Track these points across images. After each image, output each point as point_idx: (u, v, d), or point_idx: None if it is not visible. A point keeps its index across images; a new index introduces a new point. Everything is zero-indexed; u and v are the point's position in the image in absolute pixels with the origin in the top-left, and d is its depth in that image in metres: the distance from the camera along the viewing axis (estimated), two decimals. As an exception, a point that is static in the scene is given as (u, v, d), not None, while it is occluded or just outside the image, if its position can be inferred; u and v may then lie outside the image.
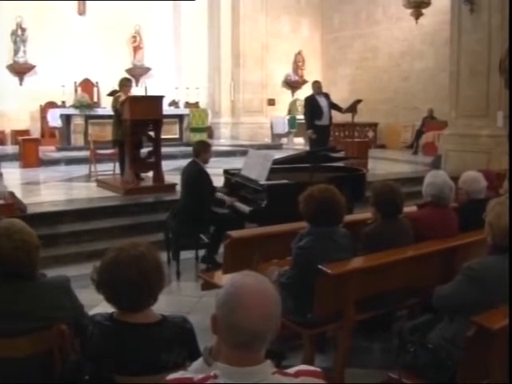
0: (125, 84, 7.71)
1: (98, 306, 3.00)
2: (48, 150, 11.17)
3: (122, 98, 7.24)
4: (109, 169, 8.50)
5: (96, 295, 1.87)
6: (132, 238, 1.94)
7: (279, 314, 1.36)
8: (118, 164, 7.97)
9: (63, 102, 12.37)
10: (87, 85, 13.28)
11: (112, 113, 7.66)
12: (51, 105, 12.58)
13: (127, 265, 1.76)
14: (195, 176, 5.18)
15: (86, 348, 1.84)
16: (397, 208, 3.27)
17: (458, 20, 8.54)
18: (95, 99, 13.08)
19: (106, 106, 10.28)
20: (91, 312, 2.14)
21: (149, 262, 1.80)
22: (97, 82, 13.37)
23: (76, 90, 12.83)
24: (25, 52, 12.79)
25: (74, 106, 11.70)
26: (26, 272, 2.03)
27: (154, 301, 1.85)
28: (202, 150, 5.25)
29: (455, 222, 3.56)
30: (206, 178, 5.20)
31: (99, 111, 11.74)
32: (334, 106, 9.23)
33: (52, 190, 7.57)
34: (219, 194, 5.40)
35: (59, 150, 11.39)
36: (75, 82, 13.03)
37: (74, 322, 2.03)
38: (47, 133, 12.65)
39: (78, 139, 11.61)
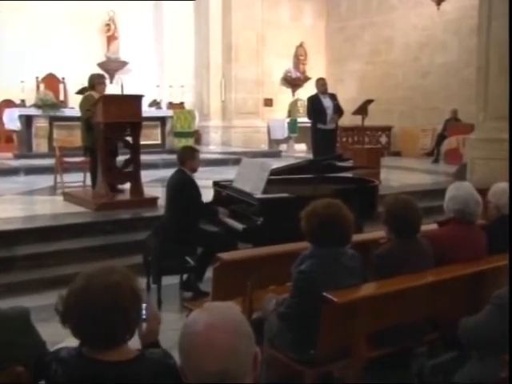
0: (98, 81, 7.75)
1: (63, 342, 2.99)
2: (4, 158, 11.19)
3: (97, 97, 7.27)
4: (78, 180, 8.50)
5: (61, 329, 1.86)
6: (105, 262, 1.95)
7: (249, 345, 1.38)
8: (88, 174, 7.97)
9: (22, 101, 12.36)
10: (52, 81, 13.31)
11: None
12: (8, 104, 12.54)
13: (99, 293, 1.76)
14: (180, 186, 5.21)
15: (48, 391, 1.83)
16: (412, 226, 3.29)
17: (488, 4, 8.54)
18: (61, 98, 13.10)
19: (74, 106, 10.31)
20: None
21: (124, 290, 1.79)
22: (63, 78, 13.40)
23: (38, 87, 12.83)
24: (-22, 42, 12.83)
25: (36, 106, 11.73)
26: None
27: (131, 336, 1.84)
28: (188, 157, 5.29)
29: (483, 241, 3.57)
30: (193, 188, 5.22)
31: (66, 112, 11.77)
32: (337, 110, 9.25)
33: (8, 204, 7.54)
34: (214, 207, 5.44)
35: (17, 157, 11.40)
36: (37, 78, 13.04)
37: (33, 362, 2.01)
38: (3, 137, 12.66)
39: (40, 145, 11.64)
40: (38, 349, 2.13)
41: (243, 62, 14.66)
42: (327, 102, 9.18)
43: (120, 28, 14.48)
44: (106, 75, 10.13)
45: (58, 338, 2.76)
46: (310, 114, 9.50)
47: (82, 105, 7.67)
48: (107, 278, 1.79)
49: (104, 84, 7.85)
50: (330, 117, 9.08)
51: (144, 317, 1.95)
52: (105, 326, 1.75)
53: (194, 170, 5.35)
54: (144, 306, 1.95)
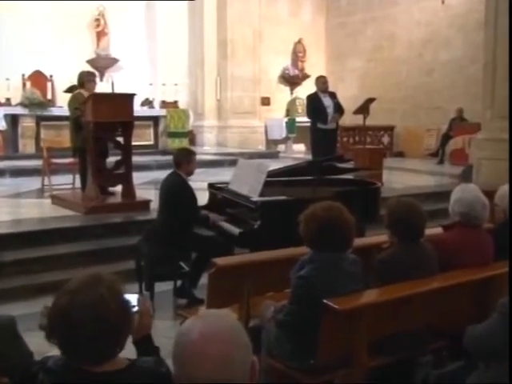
0: (87, 79, 7.75)
1: (50, 352, 2.98)
2: (-11, 159, 11.16)
3: (86, 95, 7.27)
4: (67, 182, 8.50)
5: (49, 339, 1.86)
6: (95, 268, 1.95)
7: (246, 354, 1.39)
8: (78, 176, 7.97)
9: (8, 100, 12.38)
10: (39, 78, 13.27)
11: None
12: (-8, 102, 12.57)
13: (83, 311, 1.74)
14: (175, 190, 5.23)
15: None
16: (416, 230, 3.29)
17: (495, -2, 8.59)
18: (49, 96, 13.09)
19: (63, 105, 10.31)
20: (43, 359, 2.12)
21: (110, 304, 1.78)
22: (51, 76, 13.37)
23: (24, 85, 12.83)
24: (-39, 38, 12.80)
25: (22, 105, 11.73)
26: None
27: (120, 349, 1.84)
28: (185, 160, 5.31)
29: (490, 246, 3.59)
30: (189, 192, 5.25)
31: (54, 111, 11.79)
32: (338, 108, 9.27)
33: (-6, 208, 7.54)
34: (203, 212, 5.44)
35: (3, 158, 11.38)
36: (23, 75, 13.01)
37: (19, 374, 2.00)
38: (-13, 137, 12.63)
39: (27, 145, 11.64)
40: (24, 359, 2.12)
41: (239, 59, 14.66)
42: (327, 101, 9.19)
43: (110, 23, 14.42)
44: (96, 73, 10.10)
45: (46, 347, 2.75)
46: (309, 113, 9.53)
47: (71, 103, 7.67)
48: (91, 292, 1.76)
49: (94, 82, 7.85)
50: (332, 116, 9.09)
51: (136, 308, 1.96)
52: (91, 345, 1.73)
53: (190, 174, 5.37)
54: (136, 297, 1.96)
